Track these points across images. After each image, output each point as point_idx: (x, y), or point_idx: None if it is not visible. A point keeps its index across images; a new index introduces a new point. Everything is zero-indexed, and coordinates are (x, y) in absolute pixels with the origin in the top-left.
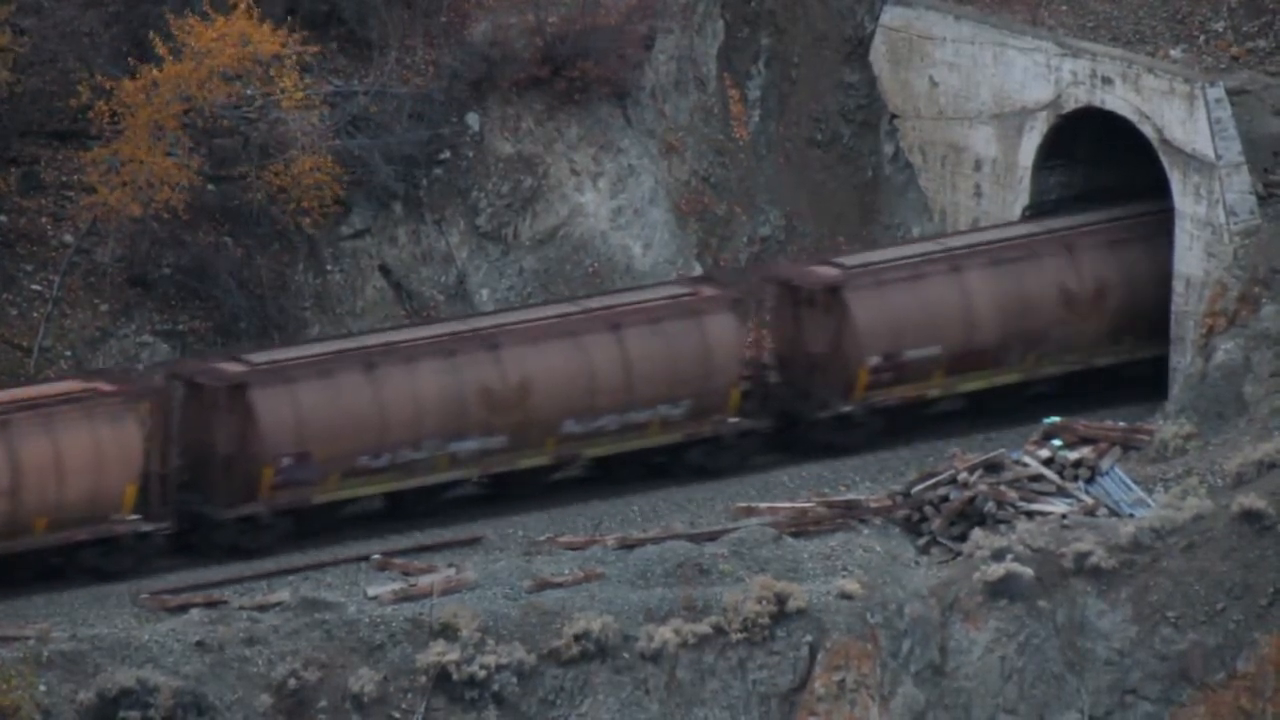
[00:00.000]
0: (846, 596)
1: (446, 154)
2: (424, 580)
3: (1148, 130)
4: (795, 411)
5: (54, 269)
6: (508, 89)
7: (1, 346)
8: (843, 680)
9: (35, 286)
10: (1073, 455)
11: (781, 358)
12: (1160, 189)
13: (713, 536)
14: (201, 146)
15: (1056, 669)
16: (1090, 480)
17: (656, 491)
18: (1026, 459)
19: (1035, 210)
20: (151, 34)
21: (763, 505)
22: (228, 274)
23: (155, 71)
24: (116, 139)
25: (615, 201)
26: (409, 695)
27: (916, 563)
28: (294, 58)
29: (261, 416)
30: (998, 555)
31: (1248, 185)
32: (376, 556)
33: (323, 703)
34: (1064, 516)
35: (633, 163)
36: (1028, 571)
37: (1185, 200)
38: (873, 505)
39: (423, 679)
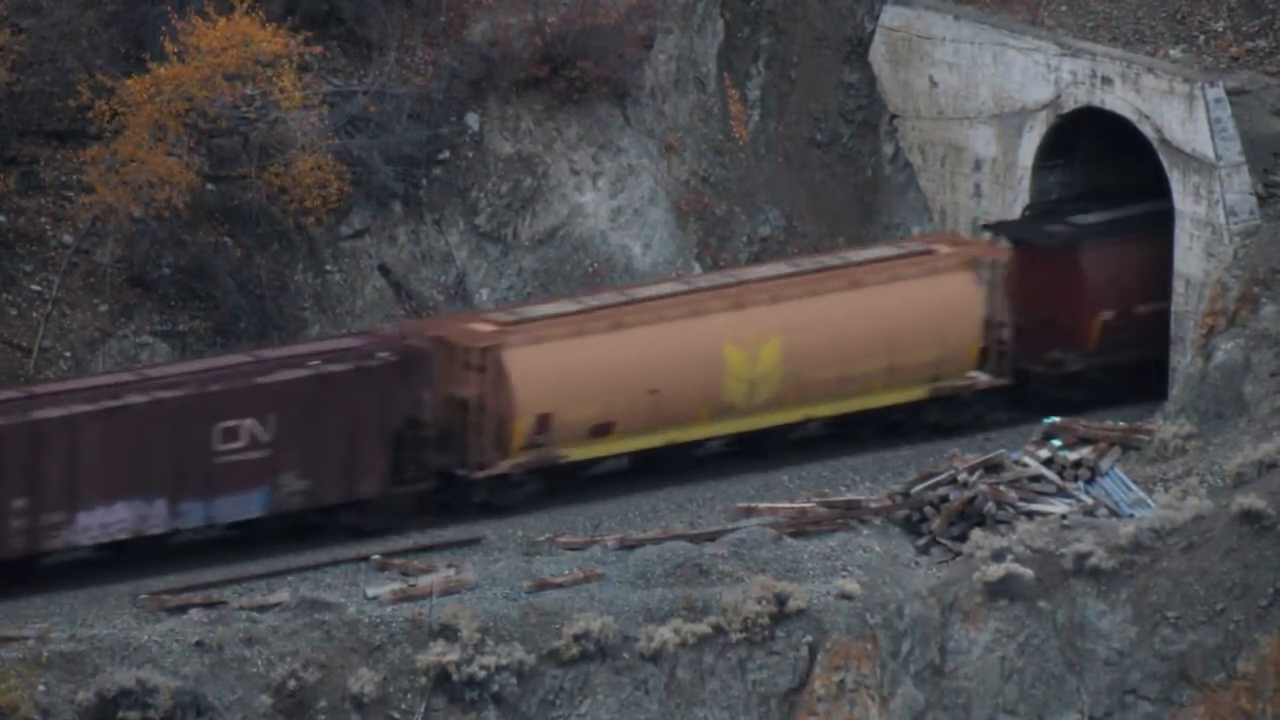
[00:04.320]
0: (846, 597)
1: (446, 154)
2: (423, 580)
3: (1147, 130)
4: None
5: (53, 269)
6: (507, 89)
7: (1, 346)
8: (842, 680)
9: (35, 287)
10: (1072, 455)
11: None
12: None
13: (712, 537)
14: (201, 146)
15: (1056, 669)
16: (1090, 480)
17: (656, 492)
18: (1026, 459)
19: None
20: (161, 33)
21: (762, 505)
22: (227, 274)
23: (160, 69)
24: (116, 139)
25: (615, 201)
26: (409, 696)
27: (916, 563)
28: (294, 58)
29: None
30: (997, 555)
31: (1248, 185)
32: (376, 556)
33: (322, 703)
34: (1064, 517)
35: (632, 162)
36: (1027, 572)
37: (1185, 200)
38: (872, 505)
39: (422, 679)
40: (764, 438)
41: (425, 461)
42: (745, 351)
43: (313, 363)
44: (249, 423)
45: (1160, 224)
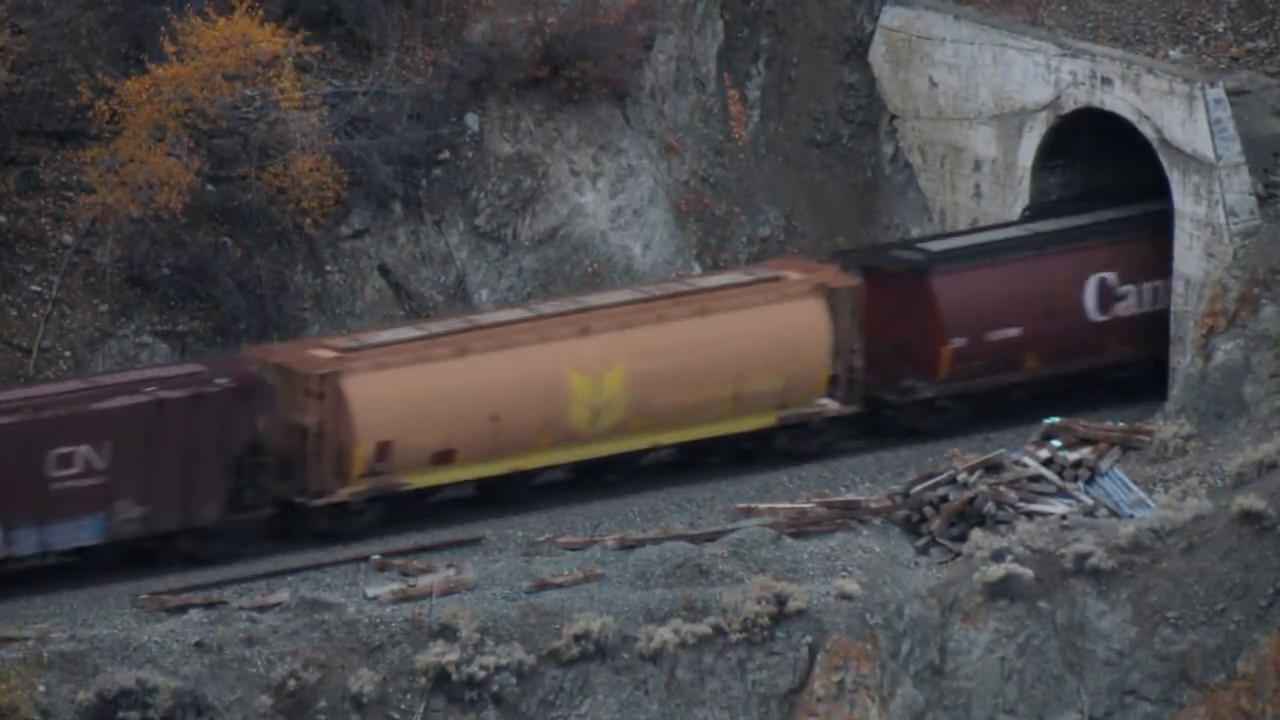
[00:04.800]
0: (846, 597)
1: (446, 154)
2: (423, 581)
3: (1147, 131)
4: None
5: (53, 269)
6: (507, 89)
7: (1, 347)
8: (842, 681)
9: (35, 287)
10: (1072, 456)
11: None
12: None
13: (712, 537)
14: (201, 147)
15: (1056, 669)
16: (1090, 481)
17: (656, 492)
18: (1026, 459)
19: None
20: (160, 33)
21: (762, 506)
22: (227, 274)
23: (159, 70)
24: (116, 139)
25: (615, 202)
26: (408, 696)
27: (916, 563)
28: (293, 58)
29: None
30: (997, 556)
31: (1247, 186)
32: (376, 557)
33: (322, 703)
34: (1064, 517)
35: (632, 163)
36: (1027, 572)
37: (1185, 201)
38: (872, 506)
39: (422, 679)
40: (609, 465)
41: (264, 488)
42: (589, 378)
43: (149, 389)
44: (84, 449)
45: (1025, 247)
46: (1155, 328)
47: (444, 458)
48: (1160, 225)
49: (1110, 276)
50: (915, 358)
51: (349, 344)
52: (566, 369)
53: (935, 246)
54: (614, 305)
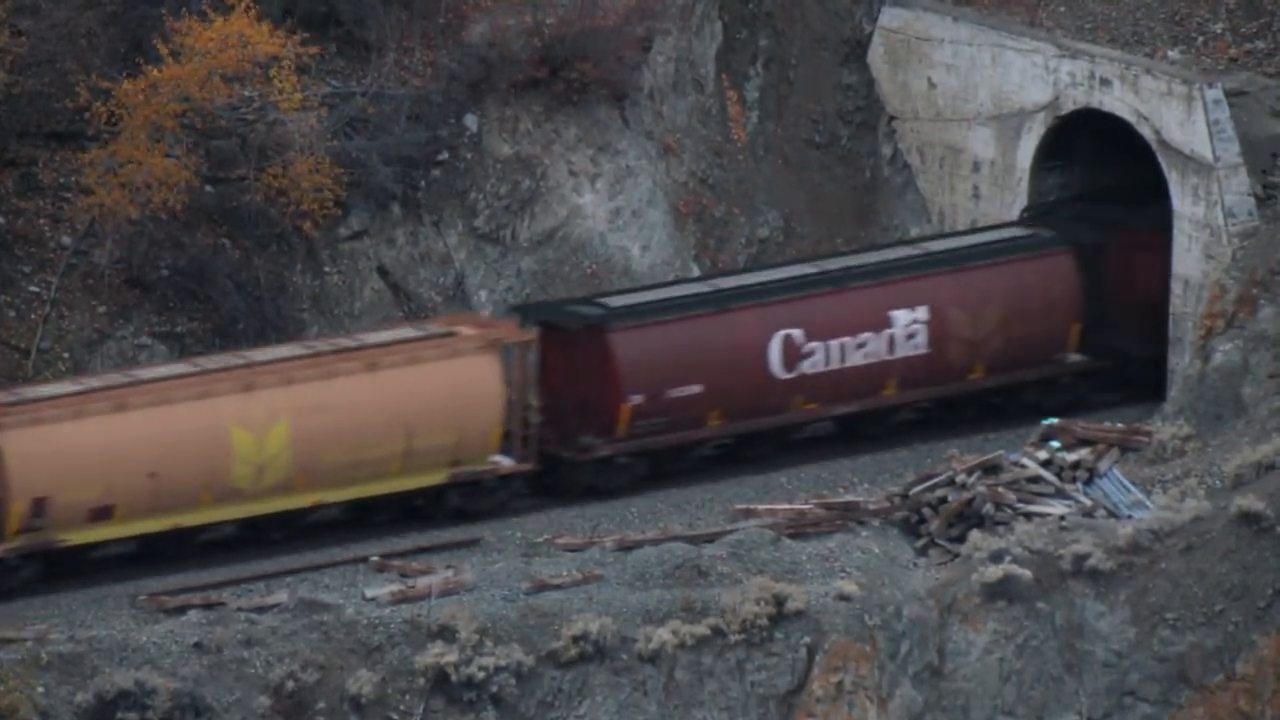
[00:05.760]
0: (845, 598)
1: (444, 155)
2: (422, 581)
3: (1146, 132)
4: None
5: (52, 270)
6: (506, 90)
7: None
8: (841, 682)
9: (33, 288)
10: (1071, 457)
11: None
12: None
13: (711, 538)
14: (200, 148)
15: (1055, 671)
16: (1088, 482)
17: (655, 493)
18: (1024, 460)
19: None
20: (155, 36)
21: (761, 507)
22: (226, 275)
23: (156, 71)
24: (114, 140)
25: (613, 203)
26: (407, 697)
27: (915, 564)
28: (292, 59)
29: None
30: (996, 557)
31: (1246, 187)
32: (375, 558)
33: (321, 704)
34: (1062, 518)
35: (631, 164)
36: (1026, 573)
37: (1184, 202)
38: (871, 507)
39: (421, 680)
40: (275, 523)
41: None
42: (253, 434)
43: None
44: None
45: (707, 304)
46: (841, 385)
47: (102, 514)
48: (853, 280)
49: (796, 334)
50: (594, 415)
51: (7, 398)
52: (228, 425)
53: (615, 302)
54: (279, 360)
